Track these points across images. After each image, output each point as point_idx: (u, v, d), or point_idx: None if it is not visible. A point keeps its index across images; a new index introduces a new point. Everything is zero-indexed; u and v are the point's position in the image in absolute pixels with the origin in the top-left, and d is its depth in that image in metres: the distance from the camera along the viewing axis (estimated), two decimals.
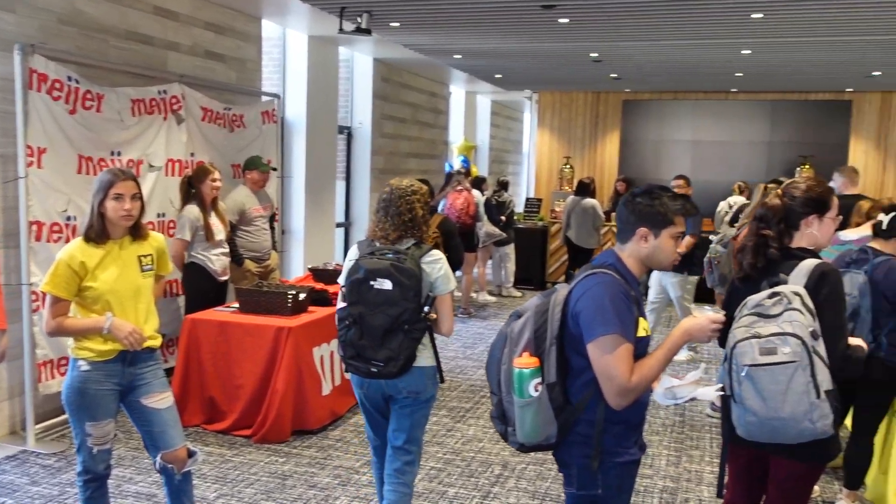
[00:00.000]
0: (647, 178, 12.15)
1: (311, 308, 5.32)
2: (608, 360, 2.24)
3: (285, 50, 8.17)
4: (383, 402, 3.29)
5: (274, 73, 8.13)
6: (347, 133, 9.81)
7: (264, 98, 7.33)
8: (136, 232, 3.22)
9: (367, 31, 6.74)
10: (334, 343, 5.33)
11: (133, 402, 3.22)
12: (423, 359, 3.19)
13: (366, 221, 9.78)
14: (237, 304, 5.24)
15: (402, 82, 10.67)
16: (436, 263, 3.18)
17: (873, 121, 12.03)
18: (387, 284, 3.06)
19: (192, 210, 5.49)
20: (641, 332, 2.34)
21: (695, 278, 7.01)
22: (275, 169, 6.75)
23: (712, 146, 12.59)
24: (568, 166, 12.76)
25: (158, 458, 3.24)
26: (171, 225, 5.77)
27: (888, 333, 3.69)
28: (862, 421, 3.95)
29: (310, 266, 6.54)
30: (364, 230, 9.59)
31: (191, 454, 3.30)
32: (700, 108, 12.70)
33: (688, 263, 6.53)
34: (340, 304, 3.23)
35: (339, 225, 9.47)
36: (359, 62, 9.75)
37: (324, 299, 5.46)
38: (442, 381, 3.31)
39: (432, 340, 3.22)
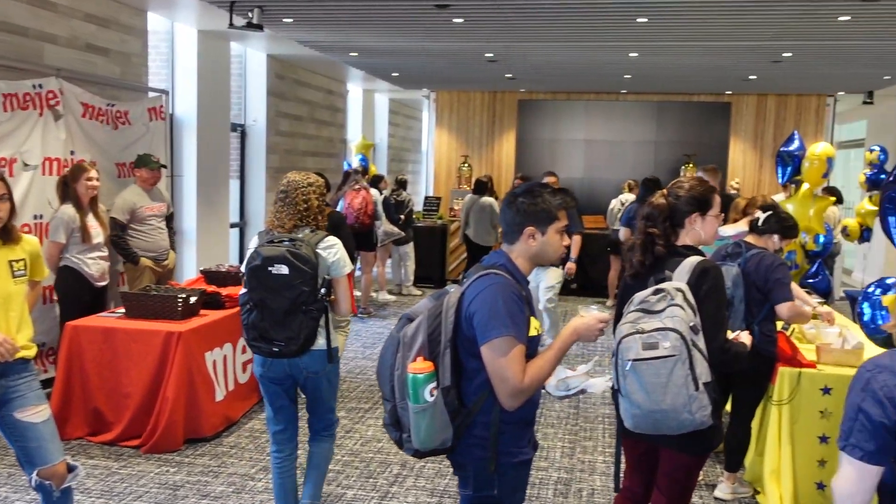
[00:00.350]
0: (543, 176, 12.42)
1: (203, 311, 5.15)
2: (502, 362, 2.23)
3: (173, 44, 7.88)
4: (288, 381, 3.47)
5: (162, 68, 7.84)
6: (241, 131, 9.56)
7: (151, 94, 7.04)
8: (7, 235, 3.03)
9: (259, 27, 6.59)
10: (228, 347, 5.20)
11: (6, 417, 3.04)
12: (322, 342, 3.41)
13: (262, 221, 9.57)
14: (123, 310, 5.02)
15: (298, 79, 10.49)
16: (331, 249, 3.40)
17: (750, 122, 12.73)
18: (283, 269, 3.26)
19: (67, 210, 5.23)
20: (533, 332, 2.35)
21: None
22: (164, 166, 6.52)
23: (603, 145, 13.01)
24: (466, 165, 12.88)
25: (35, 475, 3.06)
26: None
27: (760, 322, 3.92)
28: (740, 407, 4.18)
29: (202, 268, 6.34)
30: (260, 230, 9.35)
31: (71, 469, 3.14)
32: (592, 109, 13.10)
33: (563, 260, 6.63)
34: (242, 290, 3.41)
35: (233, 225, 9.23)
36: (252, 58, 9.52)
37: (216, 302, 5.30)
38: (330, 361, 3.46)
39: (327, 324, 3.43)
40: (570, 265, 7.03)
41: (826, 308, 4.83)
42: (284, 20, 7.22)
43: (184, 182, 7.90)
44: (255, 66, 9.53)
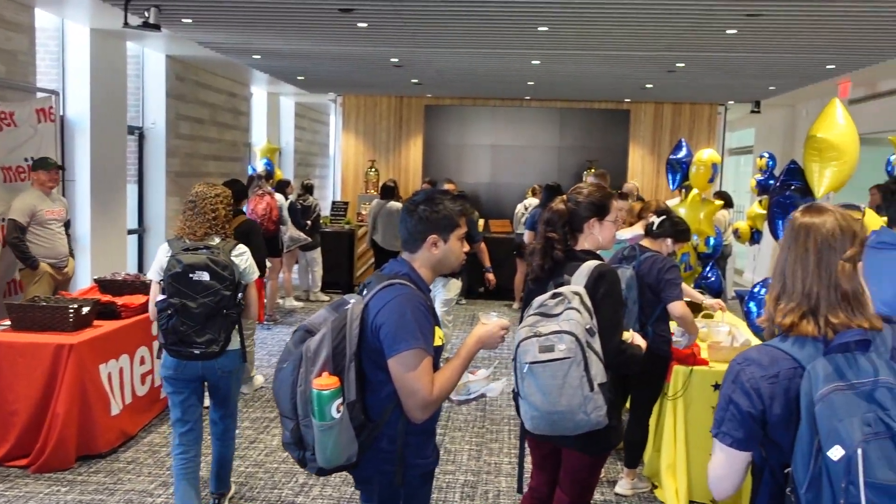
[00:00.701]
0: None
1: (97, 322, 4.94)
2: (411, 375, 2.20)
3: (64, 43, 7.53)
4: (198, 382, 3.68)
5: (52, 67, 7.47)
6: (139, 134, 9.22)
7: (39, 94, 6.71)
8: None
9: (156, 27, 6.38)
10: (124, 359, 5.01)
11: None
12: (235, 342, 3.67)
13: (163, 227, 9.27)
14: (8, 322, 4.76)
15: (199, 81, 10.21)
16: (242, 256, 3.68)
17: (648, 128, 13.22)
18: (205, 276, 3.49)
19: None
20: (437, 342, 2.34)
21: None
22: (62, 167, 6.30)
23: (509, 150, 13.22)
24: (373, 169, 12.85)
25: None
26: None
27: (654, 323, 4.08)
28: (637, 406, 4.34)
29: (96, 277, 6.07)
30: (162, 236, 9.08)
31: None
32: (498, 114, 13.29)
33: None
34: (160, 297, 3.55)
35: (131, 232, 8.88)
36: (150, 59, 9.20)
37: (111, 312, 5.09)
38: (244, 360, 3.78)
39: (239, 325, 3.68)
40: (490, 276, 6.87)
41: (715, 301, 5.06)
42: (183, 20, 7.02)
43: (77, 187, 7.56)
44: (154, 66, 9.21)
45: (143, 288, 5.56)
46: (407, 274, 2.37)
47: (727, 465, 1.77)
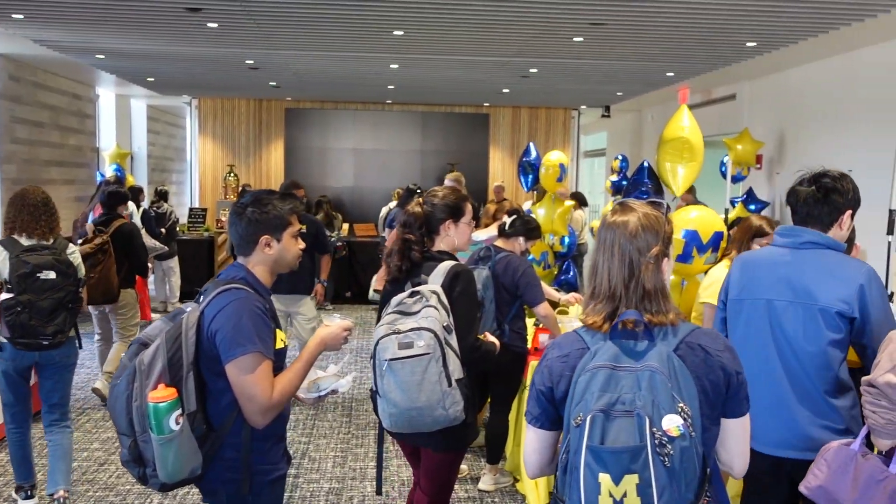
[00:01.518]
0: (314, 186, 12.37)
1: None
2: (248, 380, 2.17)
3: None
4: (29, 372, 3.95)
5: None
6: None
7: None
8: None
9: None
10: None
11: None
12: (71, 331, 3.94)
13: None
14: None
15: (38, 82, 9.52)
16: (74, 254, 3.96)
17: (507, 132, 13.59)
18: (51, 274, 3.77)
19: None
20: (279, 344, 2.32)
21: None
22: None
23: (372, 154, 13.22)
24: (232, 174, 12.49)
25: None
26: None
27: (510, 321, 4.20)
28: (496, 401, 4.43)
29: None
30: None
31: None
32: (360, 118, 13.26)
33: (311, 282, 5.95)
34: (5, 295, 3.71)
35: None
36: None
37: None
38: (80, 346, 4.08)
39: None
40: (318, 287, 6.26)
41: (571, 295, 5.28)
42: (13, 16, 6.52)
43: None
44: None
45: None
46: (244, 278, 2.34)
47: (532, 443, 1.85)
